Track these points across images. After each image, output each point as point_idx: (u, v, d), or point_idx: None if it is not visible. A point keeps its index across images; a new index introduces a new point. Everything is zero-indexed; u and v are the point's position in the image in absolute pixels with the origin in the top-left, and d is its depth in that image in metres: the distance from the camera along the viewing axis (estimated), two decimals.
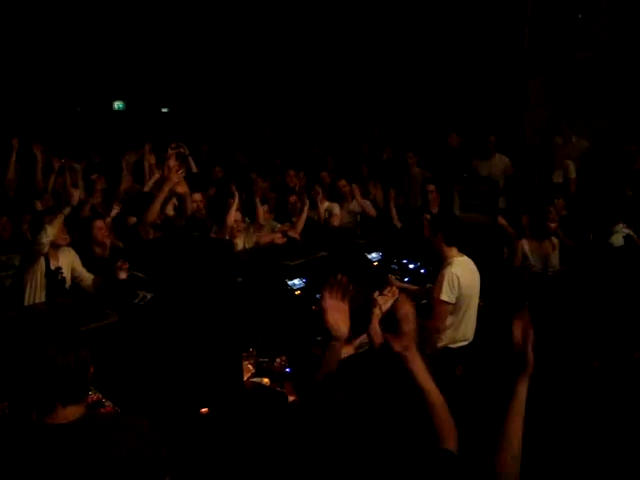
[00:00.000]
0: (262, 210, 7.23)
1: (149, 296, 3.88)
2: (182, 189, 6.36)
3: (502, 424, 2.51)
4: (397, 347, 2.53)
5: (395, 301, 2.70)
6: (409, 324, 2.55)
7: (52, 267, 5.51)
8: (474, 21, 10.99)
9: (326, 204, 8.21)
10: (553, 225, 6.66)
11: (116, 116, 16.45)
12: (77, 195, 5.89)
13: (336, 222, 8.02)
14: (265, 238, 7.09)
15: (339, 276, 2.80)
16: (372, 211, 8.22)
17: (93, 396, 3.44)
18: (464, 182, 7.65)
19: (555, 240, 6.76)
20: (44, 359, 2.38)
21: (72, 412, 2.40)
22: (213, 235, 6.52)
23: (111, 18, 14.27)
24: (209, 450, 3.59)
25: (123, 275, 5.18)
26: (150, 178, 8.00)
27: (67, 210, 5.57)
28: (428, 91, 11.72)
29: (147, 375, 3.79)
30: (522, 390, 2.53)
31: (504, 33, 10.78)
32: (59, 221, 5.37)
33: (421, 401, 2.49)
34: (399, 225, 7.77)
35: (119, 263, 5.23)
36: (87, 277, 5.71)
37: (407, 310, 2.59)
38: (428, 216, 7.10)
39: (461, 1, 11.21)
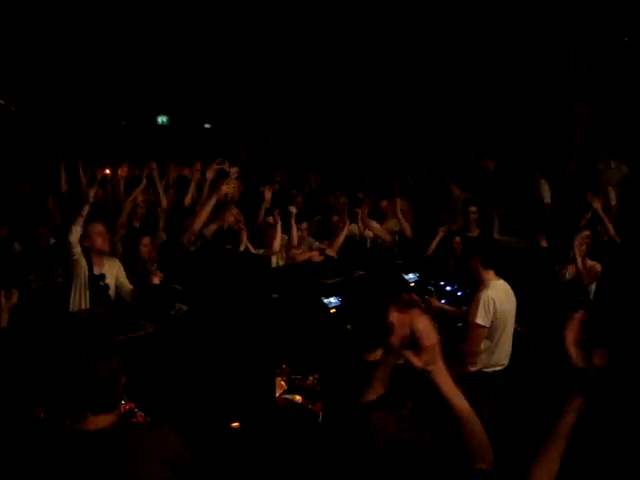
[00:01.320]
0: (296, 230, 7.20)
1: (185, 308, 3.91)
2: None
3: (544, 444, 2.37)
4: (419, 364, 2.40)
5: (411, 315, 2.51)
6: (429, 338, 2.42)
7: (96, 273, 5.61)
8: (519, 44, 10.95)
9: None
10: (578, 250, 6.53)
11: (160, 130, 16.68)
12: (92, 194, 5.97)
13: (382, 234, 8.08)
14: (302, 256, 7.10)
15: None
16: (410, 232, 8.18)
17: (125, 406, 3.46)
18: (504, 205, 7.58)
19: (595, 267, 6.60)
20: (76, 367, 2.41)
21: (103, 420, 2.42)
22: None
23: (157, 36, 14.52)
24: (238, 464, 3.59)
25: (156, 280, 5.24)
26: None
27: (86, 209, 5.64)
28: (471, 113, 11.68)
29: (180, 387, 3.80)
30: (573, 411, 2.38)
31: (549, 56, 10.72)
32: (82, 219, 5.46)
33: (451, 417, 2.40)
34: (411, 235, 7.92)
35: (153, 268, 5.32)
36: (127, 287, 5.79)
37: (425, 324, 2.45)
38: (458, 239, 7.08)
39: (507, 23, 11.17)
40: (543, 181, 9.18)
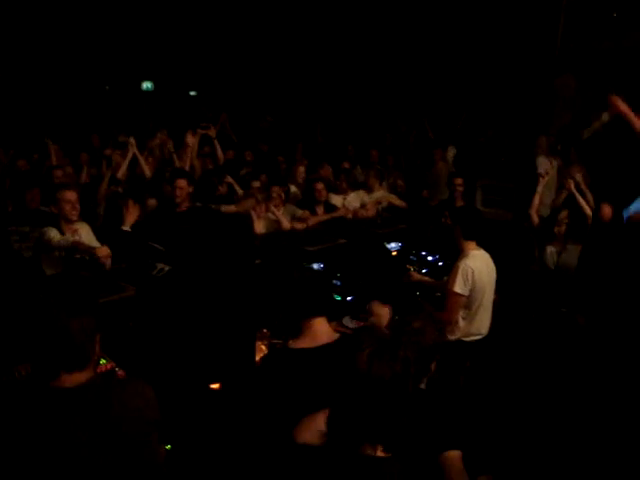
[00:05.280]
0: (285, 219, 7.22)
1: (166, 268, 3.91)
2: None
3: None
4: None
5: None
6: None
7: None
8: (507, 18, 10.92)
9: (352, 194, 8.29)
10: (558, 230, 6.57)
11: (144, 96, 16.52)
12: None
13: (370, 212, 8.11)
14: (285, 225, 7.11)
15: None
16: (400, 202, 8.32)
17: (107, 364, 3.48)
18: (488, 177, 7.63)
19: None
20: (49, 324, 2.42)
21: (77, 377, 2.43)
22: None
23: (143, 1, 14.34)
24: (216, 424, 3.63)
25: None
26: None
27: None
28: (455, 85, 11.69)
29: (161, 347, 3.83)
30: None
31: (537, 29, 10.71)
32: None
33: None
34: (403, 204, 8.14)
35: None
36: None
37: None
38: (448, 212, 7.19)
39: None
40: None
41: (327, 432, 2.51)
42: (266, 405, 2.92)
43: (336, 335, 3.27)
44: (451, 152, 9.79)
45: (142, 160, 8.00)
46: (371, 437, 2.23)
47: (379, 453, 2.22)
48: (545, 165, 8.52)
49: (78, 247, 5.26)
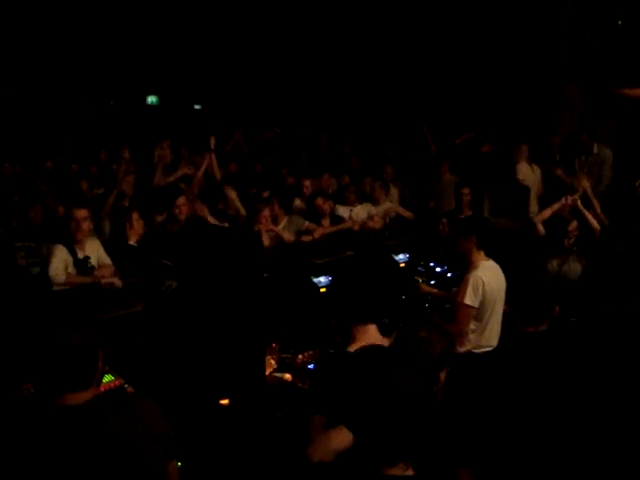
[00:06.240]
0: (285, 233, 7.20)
1: (174, 284, 3.90)
2: None
3: None
4: None
5: None
6: None
7: (80, 257, 5.57)
8: (512, 26, 10.92)
9: (359, 206, 8.30)
10: (568, 242, 6.49)
11: (149, 111, 16.58)
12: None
13: (377, 224, 8.09)
14: (290, 237, 7.09)
15: None
16: (408, 214, 8.33)
17: (115, 381, 3.46)
18: (495, 187, 7.60)
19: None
20: (51, 341, 2.40)
21: (83, 395, 2.42)
22: None
23: (147, 13, 14.39)
24: (226, 441, 3.60)
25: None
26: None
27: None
28: (461, 94, 11.68)
29: (170, 363, 3.81)
30: None
31: (541, 39, 10.70)
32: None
33: None
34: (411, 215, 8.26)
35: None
36: (109, 264, 5.76)
37: None
38: (445, 220, 7.14)
39: (500, 6, 11.14)
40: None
41: (354, 449, 2.48)
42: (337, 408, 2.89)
43: (387, 342, 3.31)
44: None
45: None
46: (401, 453, 2.19)
47: (408, 472, 2.18)
48: (525, 172, 8.53)
49: (70, 283, 5.34)
